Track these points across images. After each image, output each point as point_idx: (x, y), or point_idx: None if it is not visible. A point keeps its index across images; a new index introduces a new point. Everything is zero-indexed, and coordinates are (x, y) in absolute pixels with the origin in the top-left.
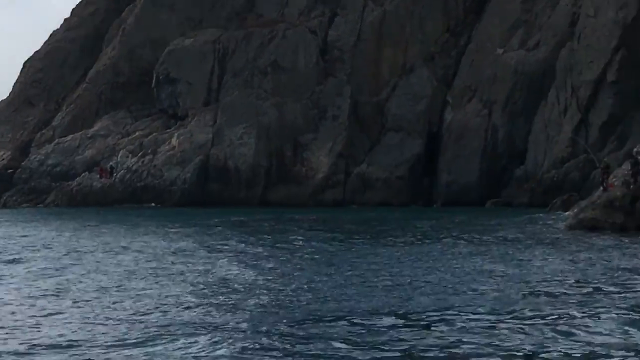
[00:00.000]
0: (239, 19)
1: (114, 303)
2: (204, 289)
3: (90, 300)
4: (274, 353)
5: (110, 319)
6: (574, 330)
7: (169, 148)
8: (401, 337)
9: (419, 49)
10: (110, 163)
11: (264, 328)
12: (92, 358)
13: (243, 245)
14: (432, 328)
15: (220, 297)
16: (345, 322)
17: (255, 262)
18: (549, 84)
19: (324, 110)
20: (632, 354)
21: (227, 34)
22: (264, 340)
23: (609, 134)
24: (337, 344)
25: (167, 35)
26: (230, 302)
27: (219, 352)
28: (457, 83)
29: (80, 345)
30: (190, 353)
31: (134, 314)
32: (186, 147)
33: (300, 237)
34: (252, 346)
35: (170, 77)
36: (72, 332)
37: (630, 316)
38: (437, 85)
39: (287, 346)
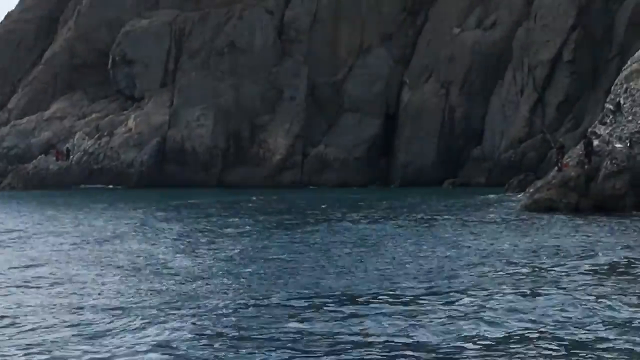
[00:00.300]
0: (195, 0)
1: (71, 289)
2: (147, 274)
3: (34, 289)
4: (227, 336)
5: (59, 306)
6: (508, 312)
7: (126, 130)
8: (336, 318)
9: (375, 29)
10: (67, 145)
11: (210, 313)
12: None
13: (191, 229)
14: (364, 310)
15: (163, 283)
16: (290, 305)
17: (199, 247)
18: (505, 63)
19: (281, 91)
20: (569, 331)
21: (183, 15)
22: (213, 324)
23: (565, 113)
24: (292, 324)
25: (123, 16)
26: (176, 289)
27: (169, 338)
28: (414, 63)
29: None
30: (143, 339)
31: (79, 301)
32: (143, 129)
33: (249, 220)
34: (202, 331)
35: (127, 59)
36: (16, 320)
37: (570, 296)
38: (394, 65)
39: (235, 330)
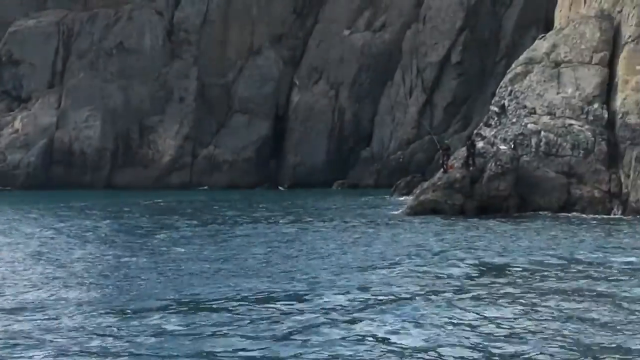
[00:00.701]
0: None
1: None
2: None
3: None
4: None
5: None
6: (375, 313)
7: (12, 131)
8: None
9: (265, 30)
10: None
11: (53, 321)
12: None
13: (60, 233)
14: (216, 312)
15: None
16: (146, 310)
17: (61, 251)
18: (395, 65)
19: (170, 92)
20: (426, 330)
21: (71, 15)
22: (82, 337)
23: (453, 114)
24: (150, 330)
25: (10, 16)
26: (22, 297)
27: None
28: (304, 64)
29: None
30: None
31: None
32: (30, 130)
33: (123, 223)
34: (72, 348)
35: (13, 59)
36: None
37: (434, 298)
38: (284, 66)
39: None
